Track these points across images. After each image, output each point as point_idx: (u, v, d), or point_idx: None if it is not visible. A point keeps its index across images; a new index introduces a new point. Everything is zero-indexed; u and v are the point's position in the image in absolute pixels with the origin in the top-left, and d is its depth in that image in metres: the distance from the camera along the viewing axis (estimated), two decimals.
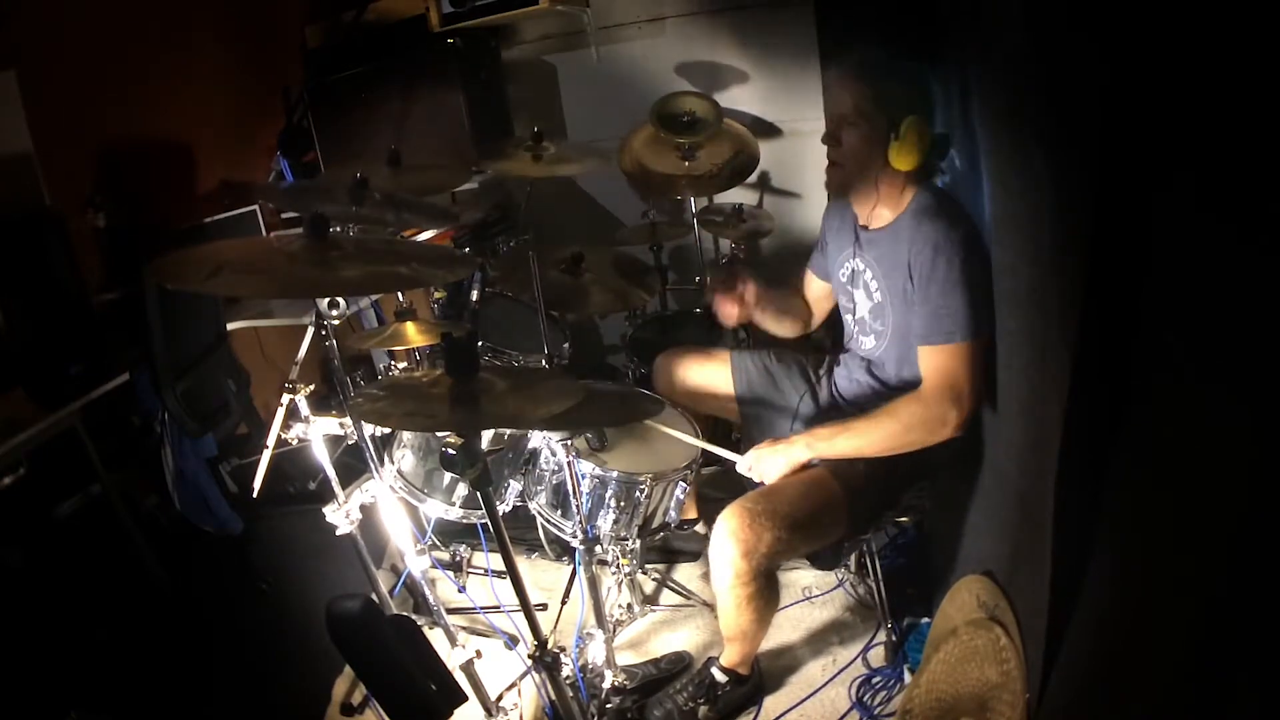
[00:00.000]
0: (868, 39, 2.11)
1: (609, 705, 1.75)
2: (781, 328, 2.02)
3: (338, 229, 1.86)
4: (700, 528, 2.27)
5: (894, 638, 1.91)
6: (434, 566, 2.19)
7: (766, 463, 1.66)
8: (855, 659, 1.91)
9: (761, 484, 1.68)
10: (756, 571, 1.57)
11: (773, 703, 1.83)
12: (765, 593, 1.62)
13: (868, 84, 1.60)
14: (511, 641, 2.03)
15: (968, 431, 1.70)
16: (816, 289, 2.01)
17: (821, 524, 1.62)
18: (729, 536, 1.55)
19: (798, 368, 1.99)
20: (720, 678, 1.77)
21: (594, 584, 1.72)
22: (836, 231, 1.85)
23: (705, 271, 2.77)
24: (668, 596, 2.21)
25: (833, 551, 1.76)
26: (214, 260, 1.19)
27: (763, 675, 1.87)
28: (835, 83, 1.68)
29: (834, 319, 2.02)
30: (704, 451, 1.80)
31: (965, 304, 1.52)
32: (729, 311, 1.93)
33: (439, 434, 1.18)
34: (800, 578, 2.17)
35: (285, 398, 1.67)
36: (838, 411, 1.83)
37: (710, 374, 2.03)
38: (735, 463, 1.72)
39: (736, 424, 2.12)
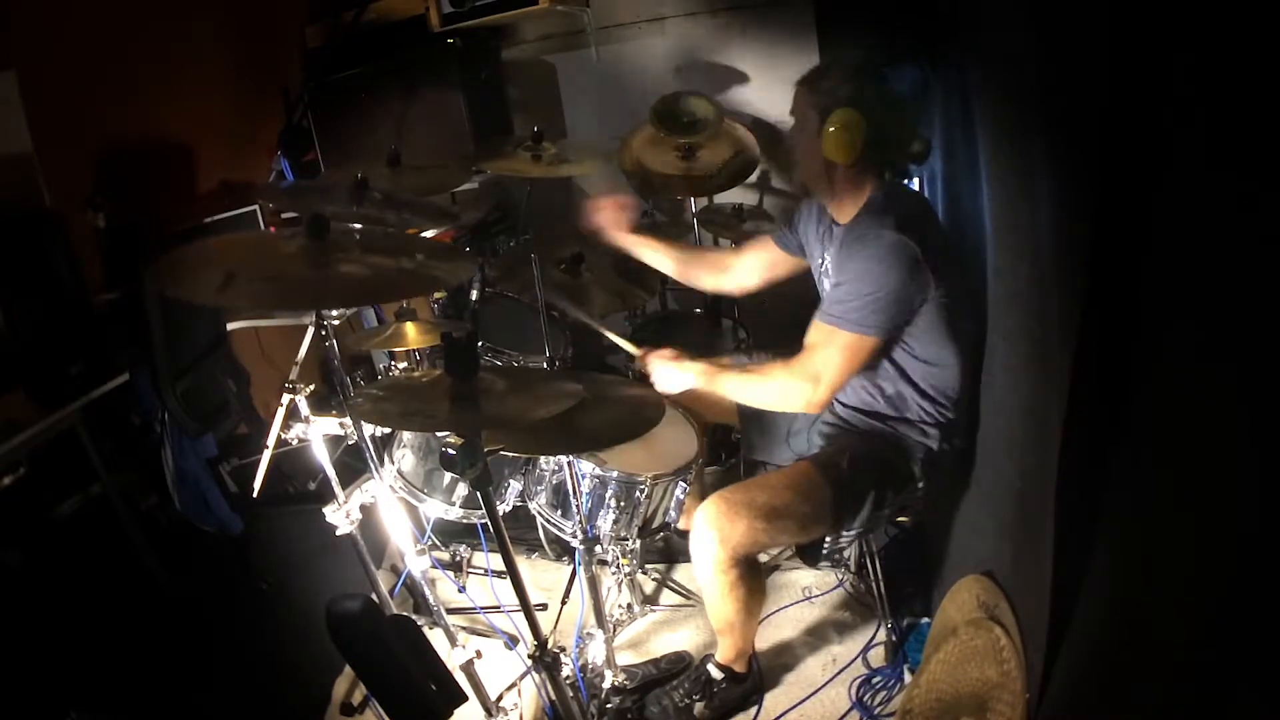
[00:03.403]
0: (867, 39, 2.11)
1: (609, 705, 1.75)
2: (670, 267, 2.02)
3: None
4: None
5: (894, 638, 1.91)
6: (434, 566, 2.19)
7: (661, 372, 1.73)
8: (855, 659, 1.91)
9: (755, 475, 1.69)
10: (735, 559, 1.59)
11: (773, 702, 1.83)
12: (747, 581, 1.64)
13: (807, 82, 1.64)
14: (511, 641, 2.03)
15: (964, 434, 1.71)
16: (770, 256, 1.98)
17: (802, 516, 1.63)
18: (707, 525, 1.59)
19: None
20: (716, 674, 1.78)
21: (594, 584, 1.72)
22: (816, 224, 1.85)
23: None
24: (668, 596, 2.21)
25: (818, 546, 1.77)
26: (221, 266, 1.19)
27: (762, 674, 1.87)
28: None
29: None
30: (700, 449, 1.80)
31: (868, 299, 1.54)
32: (597, 210, 1.96)
33: (439, 434, 1.18)
34: (800, 577, 2.17)
35: (285, 398, 1.67)
36: (827, 408, 1.82)
37: None
38: (635, 356, 1.78)
39: (736, 426, 2.12)
